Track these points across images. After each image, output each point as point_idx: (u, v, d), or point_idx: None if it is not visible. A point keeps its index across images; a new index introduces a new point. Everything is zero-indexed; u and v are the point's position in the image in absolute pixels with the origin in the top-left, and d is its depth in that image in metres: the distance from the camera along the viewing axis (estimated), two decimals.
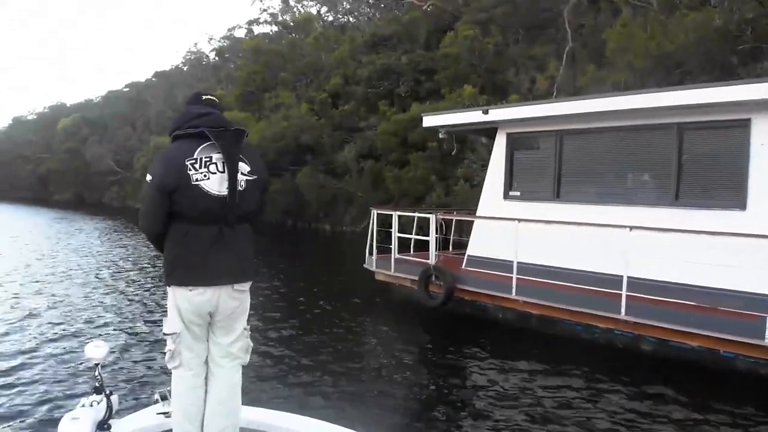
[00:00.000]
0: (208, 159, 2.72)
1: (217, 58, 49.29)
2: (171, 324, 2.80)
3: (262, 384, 5.92)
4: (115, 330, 8.02)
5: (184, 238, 2.74)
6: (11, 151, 69.32)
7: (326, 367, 6.53)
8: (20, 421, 4.88)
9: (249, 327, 2.99)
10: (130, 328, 8.17)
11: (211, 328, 2.87)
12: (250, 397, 5.28)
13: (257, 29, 45.68)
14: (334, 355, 6.97)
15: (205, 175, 2.70)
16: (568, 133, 8.24)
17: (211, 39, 52.57)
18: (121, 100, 59.21)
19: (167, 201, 2.71)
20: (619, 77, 18.93)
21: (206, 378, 2.88)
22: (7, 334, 7.64)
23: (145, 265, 14.41)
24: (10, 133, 77.60)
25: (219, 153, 2.73)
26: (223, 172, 2.72)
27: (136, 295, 10.69)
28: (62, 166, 57.02)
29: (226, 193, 2.72)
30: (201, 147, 2.74)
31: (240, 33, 47.21)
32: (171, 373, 2.85)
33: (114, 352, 6.66)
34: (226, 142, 2.75)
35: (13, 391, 5.56)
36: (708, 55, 16.24)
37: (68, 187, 58.15)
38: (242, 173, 2.77)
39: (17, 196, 64.19)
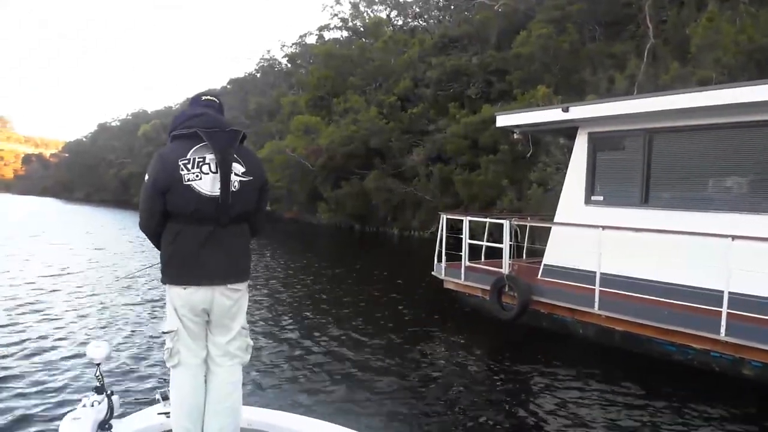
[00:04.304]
0: (201, 159, 2.74)
1: (289, 65, 50.02)
2: (169, 322, 2.83)
3: (309, 388, 5.74)
4: (117, 329, 7.90)
5: (176, 237, 2.75)
6: (96, 156, 73.03)
7: (383, 377, 6.15)
8: (21, 421, 4.79)
9: (248, 326, 3.00)
10: (133, 327, 8.04)
11: (209, 327, 2.90)
12: (312, 401, 5.09)
13: (328, 35, 46.16)
14: (394, 366, 6.56)
15: (197, 176, 2.71)
16: (658, 131, 7.51)
17: (283, 46, 53.35)
18: None
19: (161, 200, 2.72)
20: (705, 75, 17.76)
21: (206, 377, 2.90)
22: (8, 331, 7.58)
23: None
24: (95, 139, 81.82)
25: (212, 154, 2.75)
26: (216, 172, 2.73)
27: (143, 293, 10.60)
28: (143, 170, 59.11)
29: (218, 193, 2.72)
30: (195, 147, 2.75)
31: (311, 39, 47.85)
32: (170, 372, 2.87)
33: (116, 351, 6.59)
34: (219, 143, 2.76)
35: (14, 390, 5.46)
36: None
37: None
38: (236, 174, 2.79)
39: (101, 198, 67.44)
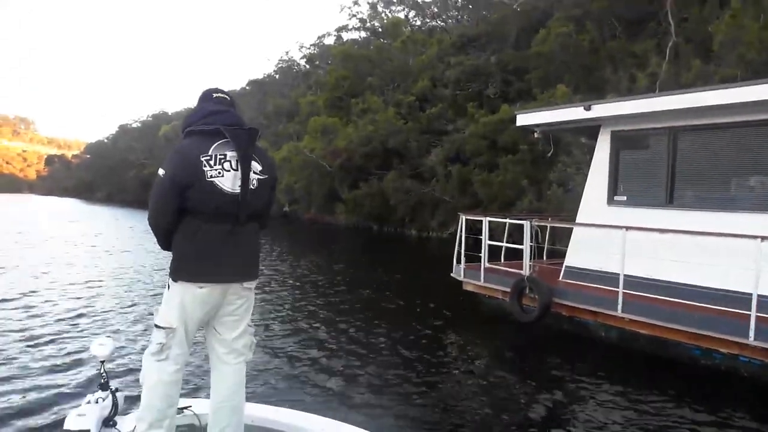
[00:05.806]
0: (222, 156, 2.71)
1: (307, 66, 50.08)
2: (168, 318, 2.76)
3: (318, 386, 5.69)
4: (121, 326, 7.91)
5: (195, 234, 2.71)
6: (117, 157, 73.82)
7: (396, 377, 6.05)
8: (26, 418, 4.79)
9: (253, 324, 3.01)
10: (139, 323, 8.05)
11: (216, 325, 2.89)
12: (319, 400, 5.02)
13: (346, 35, 46.16)
14: (408, 366, 6.47)
15: (219, 172, 2.68)
16: (683, 129, 7.33)
17: (301, 47, 53.36)
18: None
19: (179, 196, 2.68)
20: (729, 73, 17.43)
21: (212, 375, 2.91)
22: (13, 330, 7.60)
23: (156, 261, 14.49)
24: (116, 140, 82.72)
25: (233, 151, 2.74)
26: (237, 170, 2.72)
27: (147, 290, 10.61)
28: None
29: (238, 191, 2.71)
30: (215, 144, 2.73)
31: (329, 40, 47.90)
32: (147, 358, 2.82)
33: (121, 348, 6.58)
34: (241, 141, 2.75)
35: (19, 387, 5.47)
36: None
37: None
38: (254, 172, 2.79)
39: (122, 199, 68.10)
